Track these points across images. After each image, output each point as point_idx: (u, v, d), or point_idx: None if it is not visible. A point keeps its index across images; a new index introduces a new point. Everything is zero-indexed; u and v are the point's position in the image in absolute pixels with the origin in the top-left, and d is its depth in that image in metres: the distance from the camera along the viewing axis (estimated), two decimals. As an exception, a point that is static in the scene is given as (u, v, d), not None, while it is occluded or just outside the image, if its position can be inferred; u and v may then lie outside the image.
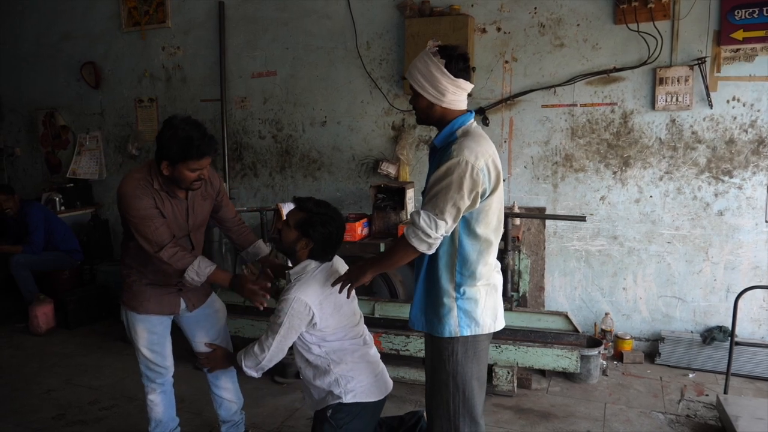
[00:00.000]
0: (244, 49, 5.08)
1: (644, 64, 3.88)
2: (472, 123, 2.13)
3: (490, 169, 2.02)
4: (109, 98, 5.79)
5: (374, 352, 2.56)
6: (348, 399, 2.40)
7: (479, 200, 2.02)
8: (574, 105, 4.10)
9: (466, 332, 2.09)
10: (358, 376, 2.43)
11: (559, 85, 4.11)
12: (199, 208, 2.58)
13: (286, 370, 3.72)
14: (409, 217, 1.97)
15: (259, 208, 4.38)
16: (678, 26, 3.79)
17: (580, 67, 4.05)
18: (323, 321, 2.36)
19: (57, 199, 5.69)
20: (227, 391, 2.83)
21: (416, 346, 3.53)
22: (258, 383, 3.68)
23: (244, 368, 2.44)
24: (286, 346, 2.39)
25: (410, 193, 4.18)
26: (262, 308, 2.53)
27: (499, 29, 4.22)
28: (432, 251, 2.05)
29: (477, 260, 2.09)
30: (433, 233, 1.97)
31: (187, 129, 2.28)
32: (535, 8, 4.11)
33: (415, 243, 2.00)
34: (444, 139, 2.11)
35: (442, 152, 2.09)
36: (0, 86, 6.46)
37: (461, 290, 2.09)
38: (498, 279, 2.22)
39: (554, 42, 4.10)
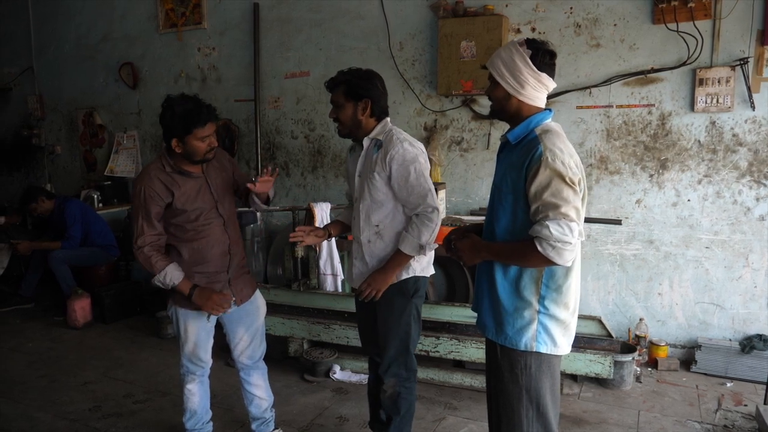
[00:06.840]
0: (277, 50, 5.14)
1: (683, 64, 3.79)
2: (551, 122, 2.01)
3: (580, 170, 1.92)
4: (146, 98, 5.92)
5: None
6: (418, 272, 2.49)
7: None
8: (610, 106, 4.03)
9: (542, 349, 1.97)
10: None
11: (594, 86, 4.04)
12: (219, 179, 2.64)
13: (316, 369, 3.74)
14: (533, 234, 1.88)
15: (291, 207, 4.42)
16: (719, 26, 3.70)
17: (617, 67, 3.98)
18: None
19: (95, 196, 5.84)
20: (258, 388, 2.86)
21: (446, 347, 3.52)
22: (288, 381, 3.72)
23: (411, 253, 2.40)
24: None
25: (442, 194, 4.17)
26: (223, 311, 2.57)
27: (533, 29, 4.17)
28: (571, 262, 1.88)
29: (565, 274, 1.95)
30: (571, 238, 1.81)
31: (184, 104, 2.40)
32: (571, 8, 4.05)
33: (555, 257, 1.82)
34: (519, 135, 1.98)
35: (518, 149, 1.97)
36: (42, 86, 6.68)
37: (545, 305, 1.96)
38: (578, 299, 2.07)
39: (590, 42, 4.04)
